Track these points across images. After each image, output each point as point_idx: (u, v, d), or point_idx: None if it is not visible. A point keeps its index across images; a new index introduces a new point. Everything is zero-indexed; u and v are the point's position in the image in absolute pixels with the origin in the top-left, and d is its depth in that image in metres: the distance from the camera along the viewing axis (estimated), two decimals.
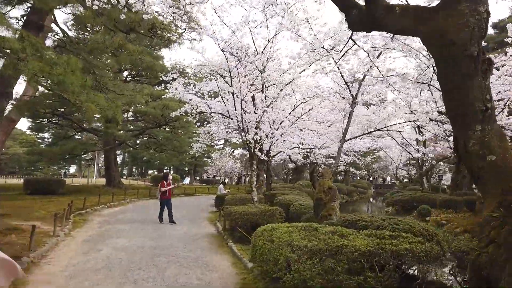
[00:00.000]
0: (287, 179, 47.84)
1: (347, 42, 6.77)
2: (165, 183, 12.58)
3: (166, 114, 23.77)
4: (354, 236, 4.92)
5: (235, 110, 12.79)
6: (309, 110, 16.45)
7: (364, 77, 9.69)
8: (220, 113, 16.78)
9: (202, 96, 17.30)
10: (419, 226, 6.09)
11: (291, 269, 4.71)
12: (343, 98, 11.10)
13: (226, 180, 47.59)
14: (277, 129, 13.65)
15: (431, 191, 25.57)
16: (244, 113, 13.07)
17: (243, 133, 18.08)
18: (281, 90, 13.32)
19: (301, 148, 23.39)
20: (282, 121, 13.53)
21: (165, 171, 56.89)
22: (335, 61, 8.43)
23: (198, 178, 54.63)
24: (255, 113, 13.41)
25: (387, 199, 27.00)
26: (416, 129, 22.67)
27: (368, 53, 6.85)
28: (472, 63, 3.05)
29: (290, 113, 14.06)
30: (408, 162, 35.55)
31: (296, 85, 14.68)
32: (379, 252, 4.19)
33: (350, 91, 9.75)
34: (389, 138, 33.34)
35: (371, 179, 67.43)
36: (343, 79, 9.61)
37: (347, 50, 7.14)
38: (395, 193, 23.76)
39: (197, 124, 34.18)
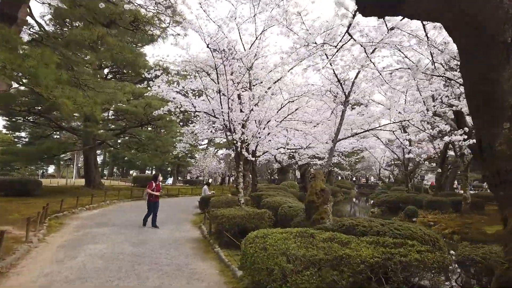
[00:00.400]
0: (271, 179, 47.61)
1: (343, 36, 6.39)
2: (153, 185, 11.83)
3: (149, 112, 23.08)
4: (356, 244, 4.51)
5: (222, 108, 12.27)
6: (295, 110, 16.09)
7: (357, 73, 9.33)
8: (205, 112, 16.25)
9: (186, 94, 16.78)
10: (421, 231, 5.74)
11: (287, 280, 4.26)
12: (335, 96, 10.74)
13: (210, 180, 46.97)
14: (263, 129, 13.21)
15: (414, 192, 25.62)
16: (231, 111, 12.57)
17: (229, 133, 17.63)
18: (268, 88, 12.86)
19: (287, 148, 23.04)
20: (269, 121, 13.09)
21: (146, 171, 55.80)
22: (327, 56, 8.04)
23: (181, 178, 53.74)
24: (242, 112, 12.93)
25: (372, 199, 27.01)
26: (402, 129, 22.60)
27: (364, 48, 6.48)
28: (504, 51, 2.69)
29: (277, 112, 13.64)
30: (392, 162, 35.62)
31: (283, 84, 14.27)
32: (388, 264, 3.79)
33: (343, 89, 9.38)
34: (374, 139, 33.36)
35: (354, 179, 67.80)
36: (336, 76, 9.24)
37: (343, 45, 6.75)
38: (380, 194, 23.66)
39: (181, 123, 33.50)
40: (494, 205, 22.33)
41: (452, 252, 6.16)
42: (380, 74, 7.54)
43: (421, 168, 40.45)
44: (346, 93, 9.33)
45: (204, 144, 52.07)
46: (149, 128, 36.93)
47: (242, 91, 12.77)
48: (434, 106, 11.67)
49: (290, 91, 14.45)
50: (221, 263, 7.57)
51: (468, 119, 13.50)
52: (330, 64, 8.34)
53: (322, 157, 30.65)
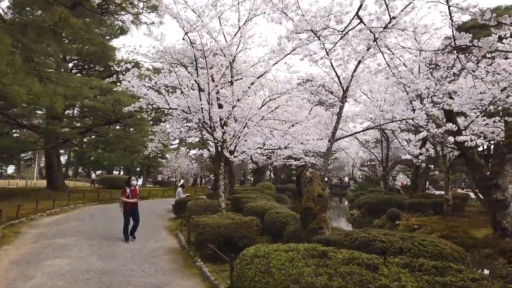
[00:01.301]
0: (241, 180, 46.66)
1: (352, 20, 5.58)
2: (128, 190, 9.92)
3: (118, 109, 21.57)
4: (386, 268, 3.64)
5: (201, 105, 11.20)
6: (275, 108, 15.27)
7: (358, 64, 8.53)
8: (182, 110, 15.15)
9: (159, 90, 15.69)
10: (446, 245, 4.98)
11: None
12: (330, 92, 9.93)
13: (182, 181, 45.40)
14: (244, 127, 12.25)
15: (390, 193, 25.40)
16: (211, 108, 11.54)
17: (205, 132, 16.57)
18: (252, 83, 11.94)
19: (265, 149, 22.21)
20: (250, 118, 12.15)
21: (113, 171, 53.38)
22: (325, 50, 7.22)
23: (151, 179, 51.78)
24: (220, 108, 11.95)
25: (350, 202, 26.59)
26: (380, 131, 22.26)
27: (374, 34, 5.69)
28: None
29: (259, 109, 12.73)
30: (369, 163, 35.52)
31: (268, 79, 13.36)
32: None
33: (340, 83, 8.60)
34: (348, 139, 33.15)
35: (325, 179, 67.89)
36: (333, 69, 8.43)
37: (349, 30, 5.91)
38: (360, 196, 23.22)
39: (151, 122, 31.94)
40: (470, 206, 22.36)
41: (486, 272, 5.43)
42: (388, 65, 6.77)
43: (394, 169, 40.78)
44: (344, 88, 8.56)
45: (175, 144, 50.48)
46: (118, 127, 35.16)
47: (224, 86, 11.77)
48: (423, 105, 11.09)
49: (272, 88, 13.54)
50: (206, 281, 6.56)
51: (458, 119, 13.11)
52: (327, 54, 7.50)
53: (299, 157, 30.13)
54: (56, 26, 8.16)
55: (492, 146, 18.80)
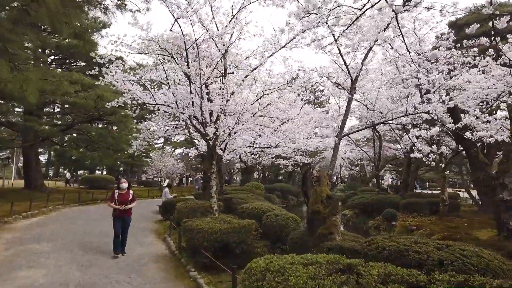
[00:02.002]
0: (225, 180, 45.73)
1: None
2: (116, 194, 8.46)
3: (100, 106, 20.52)
4: None
5: (192, 98, 10.37)
6: (267, 105, 14.58)
7: (368, 51, 7.83)
8: (168, 105, 14.32)
9: (145, 85, 14.87)
10: (490, 256, 4.31)
11: None
12: (336, 84, 9.22)
13: (167, 181, 44.32)
14: (239, 123, 11.48)
15: (382, 192, 25.00)
16: (203, 101, 10.74)
17: (193, 129, 15.76)
18: (246, 76, 11.18)
19: (255, 147, 21.49)
20: (243, 114, 11.38)
21: (96, 171, 51.76)
22: (333, 36, 6.54)
23: (135, 179, 50.36)
24: (211, 102, 11.15)
25: (342, 202, 26.05)
26: (373, 130, 21.78)
27: (396, 13, 5.00)
28: None
29: (251, 104, 11.97)
30: (359, 162, 35.15)
31: (262, 73, 12.61)
32: None
33: (349, 73, 7.91)
34: (334, 139, 32.62)
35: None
36: (342, 56, 7.74)
37: (369, 8, 5.22)
38: (352, 196, 22.69)
39: (134, 121, 30.84)
40: (462, 205, 22.04)
41: None
42: (408, 50, 6.08)
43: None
44: (353, 78, 7.86)
45: (160, 143, 49.29)
46: (99, 125, 33.83)
47: (215, 80, 10.98)
48: (427, 100, 10.51)
49: (266, 83, 12.80)
50: None
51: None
52: (335, 40, 6.80)
53: (289, 157, 29.50)
54: (29, 7, 7.22)
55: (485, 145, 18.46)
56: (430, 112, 8.13)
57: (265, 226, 8.48)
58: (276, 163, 33.54)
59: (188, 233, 7.54)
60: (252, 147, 21.85)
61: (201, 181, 35.68)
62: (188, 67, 9.98)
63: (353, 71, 7.94)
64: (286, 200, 31.23)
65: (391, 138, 27.53)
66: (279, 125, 19.45)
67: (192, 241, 7.20)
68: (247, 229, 7.10)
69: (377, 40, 7.19)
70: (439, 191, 17.82)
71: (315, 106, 36.67)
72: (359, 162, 34.90)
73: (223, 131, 10.77)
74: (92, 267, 7.12)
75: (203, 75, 10.28)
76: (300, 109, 20.89)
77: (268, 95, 13.39)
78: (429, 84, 10.70)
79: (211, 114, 11.53)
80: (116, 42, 11.27)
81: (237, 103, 10.85)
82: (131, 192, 8.68)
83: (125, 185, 8.63)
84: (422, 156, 11.04)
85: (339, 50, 7.68)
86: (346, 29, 6.59)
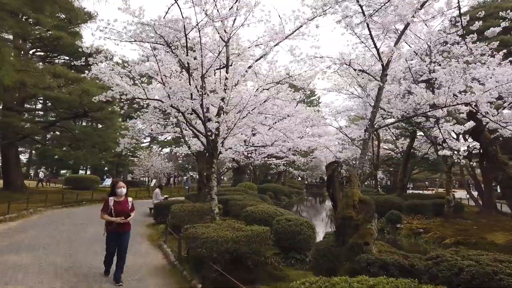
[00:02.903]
0: (220, 180, 44.79)
1: None
2: (111, 202, 6.35)
3: (86, 101, 19.29)
4: None
5: (191, 90, 9.37)
6: (264, 101, 13.70)
7: (406, 27, 6.90)
8: (160, 100, 13.34)
9: (134, 78, 13.86)
10: None
11: None
12: (361, 70, 8.26)
13: (154, 181, 43.15)
14: (238, 118, 10.53)
15: (379, 192, 24.38)
16: (203, 94, 9.75)
17: (184, 126, 14.81)
18: (249, 67, 10.26)
19: (252, 145, 20.63)
20: (248, 106, 10.44)
21: (80, 171, 49.96)
22: (362, 12, 5.66)
23: (120, 179, 48.77)
24: (214, 94, 10.18)
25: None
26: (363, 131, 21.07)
27: None
28: None
29: (255, 95, 11.04)
30: (354, 162, 34.46)
31: (265, 64, 11.67)
32: None
33: (380, 58, 7.02)
34: (328, 137, 32.04)
35: (299, 178, 66.86)
36: (372, 38, 6.84)
37: None
38: None
39: (119, 119, 29.58)
40: None
41: None
42: (461, 20, 5.18)
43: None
44: (384, 63, 6.98)
45: (147, 142, 47.85)
46: (83, 124, 32.36)
47: (217, 70, 10.02)
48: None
49: (268, 74, 11.87)
50: None
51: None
52: (366, 19, 5.91)
53: (282, 156, 28.65)
54: None
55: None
56: (471, 103, 7.30)
57: (276, 232, 7.53)
58: (268, 163, 32.73)
59: (192, 242, 6.55)
60: (247, 145, 20.97)
61: (192, 181, 34.58)
62: (187, 55, 8.97)
63: (383, 56, 7.09)
64: (279, 201, 30.43)
65: (384, 138, 27.02)
66: (275, 122, 18.64)
67: (197, 251, 6.22)
68: (262, 237, 6.15)
69: (411, 22, 6.33)
70: (430, 191, 17.24)
71: (307, 105, 35.99)
72: (354, 162, 34.18)
73: (227, 126, 9.81)
74: (80, 282, 6.08)
75: (204, 66, 9.32)
76: (295, 107, 20.10)
77: (268, 89, 12.53)
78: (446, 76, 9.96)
79: (208, 109, 10.59)
80: (106, 28, 10.22)
81: (241, 95, 9.87)
82: (129, 199, 6.55)
83: (124, 190, 6.38)
84: (451, 154, 10.26)
85: (370, 31, 6.81)
86: (381, 7, 5.73)
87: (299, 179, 66.83)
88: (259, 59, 10.34)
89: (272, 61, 11.44)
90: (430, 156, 25.78)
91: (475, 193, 22.33)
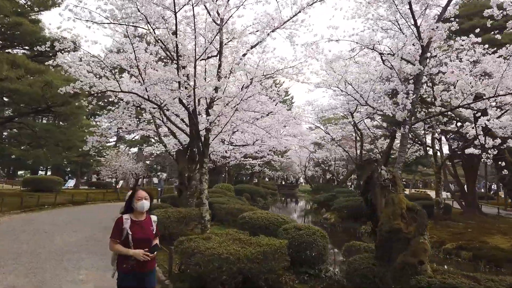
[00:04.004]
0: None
1: None
2: (126, 225, 3.68)
3: (49, 95, 17.43)
4: None
5: (180, 78, 8.14)
6: (248, 97, 12.67)
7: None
8: (135, 93, 12.11)
9: (105, 69, 12.59)
10: None
11: None
12: (391, 54, 7.28)
13: (121, 182, 40.99)
14: (233, 110, 9.43)
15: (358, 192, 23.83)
16: (186, 87, 8.55)
17: (168, 120, 13.75)
18: (244, 55, 9.15)
19: (234, 145, 19.51)
20: (242, 99, 9.36)
21: (39, 171, 46.69)
22: None
23: (83, 180, 46.02)
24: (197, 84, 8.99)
25: (317, 203, 24.61)
26: (355, 127, 20.51)
27: None
28: None
29: (247, 87, 9.95)
30: (332, 162, 34.05)
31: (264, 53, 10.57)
32: None
33: (419, 37, 6.05)
34: (302, 137, 31.49)
35: (266, 179, 65.99)
36: (412, 13, 5.83)
37: None
38: (332, 198, 21.26)
39: (85, 117, 27.55)
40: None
41: None
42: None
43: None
44: (424, 43, 6.03)
45: (113, 141, 45.46)
46: (44, 121, 29.93)
47: (209, 57, 8.84)
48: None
49: (260, 66, 10.79)
50: None
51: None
52: None
53: (260, 156, 27.67)
54: None
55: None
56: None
57: (290, 246, 6.44)
58: (243, 164, 31.70)
59: (189, 258, 5.37)
60: (228, 144, 19.88)
61: (165, 183, 32.81)
62: (176, 37, 7.74)
63: (423, 35, 6.15)
64: (255, 202, 29.54)
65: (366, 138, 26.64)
66: (257, 119, 17.62)
67: (197, 270, 5.05)
68: (280, 253, 5.08)
69: None
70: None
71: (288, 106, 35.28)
72: (332, 163, 33.76)
73: (218, 120, 8.66)
74: None
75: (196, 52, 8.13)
76: (275, 105, 19.16)
77: (256, 82, 11.48)
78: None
79: (199, 101, 9.40)
80: (77, 6, 8.86)
81: (237, 86, 8.77)
82: (153, 218, 3.92)
83: (146, 203, 3.72)
84: (480, 153, 9.58)
85: (411, 6, 5.86)
86: None
87: (266, 179, 66.00)
88: (254, 46, 9.25)
89: (266, 51, 10.36)
90: (410, 157, 25.66)
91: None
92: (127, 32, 10.69)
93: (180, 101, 8.56)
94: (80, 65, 12.35)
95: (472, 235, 12.23)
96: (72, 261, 7.56)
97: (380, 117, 22.99)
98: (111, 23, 9.49)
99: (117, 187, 35.75)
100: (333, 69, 15.03)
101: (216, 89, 8.19)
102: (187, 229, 9.33)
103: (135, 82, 13.04)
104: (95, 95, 13.23)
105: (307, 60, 10.48)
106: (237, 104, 8.92)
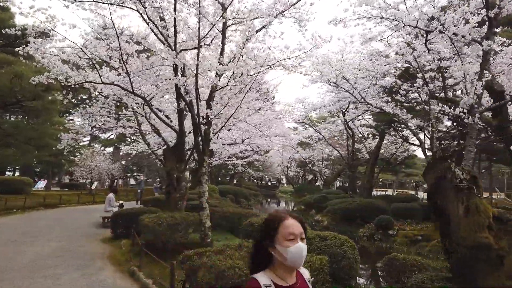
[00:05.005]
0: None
1: None
2: None
3: (19, 88, 15.92)
4: None
5: (178, 63, 7.03)
6: (238, 92, 11.71)
7: None
8: (118, 85, 11.01)
9: (90, 59, 11.37)
10: None
11: None
12: (441, 32, 6.25)
13: (96, 183, 39.04)
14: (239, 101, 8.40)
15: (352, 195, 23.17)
16: (182, 76, 7.46)
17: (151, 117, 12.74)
18: (246, 39, 8.13)
19: (222, 143, 18.44)
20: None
21: (6, 172, 43.88)
22: None
23: (54, 181, 43.54)
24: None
25: (303, 203, 23.80)
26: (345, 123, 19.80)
27: None
28: None
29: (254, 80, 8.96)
30: (317, 162, 33.30)
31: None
32: None
33: (487, 7, 5.16)
34: (280, 138, 30.67)
35: (246, 179, 64.84)
36: None
37: None
38: (323, 200, 20.46)
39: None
40: None
41: None
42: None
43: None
44: (492, 15, 5.09)
45: (86, 140, 43.28)
46: (12, 119, 27.83)
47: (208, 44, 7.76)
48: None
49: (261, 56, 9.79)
50: None
51: None
52: None
53: (246, 155, 26.66)
54: None
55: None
56: None
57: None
58: (226, 164, 30.62)
59: (201, 278, 4.30)
60: (215, 143, 18.79)
61: (156, 184, 31.03)
62: (175, 13, 6.64)
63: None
64: (239, 203, 28.62)
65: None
66: (249, 115, 16.65)
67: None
68: (322, 273, 4.07)
69: None
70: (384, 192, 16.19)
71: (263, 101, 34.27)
72: (316, 163, 32.96)
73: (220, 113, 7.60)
74: None
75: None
76: (264, 103, 18.24)
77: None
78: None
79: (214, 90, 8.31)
80: None
81: (247, 69, 7.74)
82: (305, 276, 1.80)
83: (305, 248, 1.65)
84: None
85: None
86: None
87: (246, 180, 64.85)
88: (259, 30, 8.23)
89: (273, 36, 9.35)
90: (399, 157, 25.25)
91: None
92: (110, 16, 9.47)
93: (177, 91, 7.43)
94: (55, 55, 10.95)
95: None
96: (48, 279, 6.32)
97: (370, 116, 22.49)
98: (93, 1, 8.31)
99: (92, 188, 33.87)
100: (330, 63, 14.28)
101: (217, 75, 7.16)
102: (186, 239, 8.24)
103: (118, 74, 11.80)
104: (72, 86, 11.87)
105: (312, 50, 9.56)
106: (246, 93, 7.88)
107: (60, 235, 10.65)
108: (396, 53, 10.64)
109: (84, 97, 14.29)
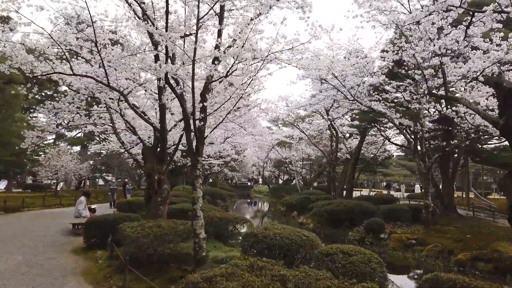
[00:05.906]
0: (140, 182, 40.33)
1: None
2: None
3: None
4: None
5: (170, 42, 6.05)
6: (225, 88, 10.84)
7: None
8: (92, 77, 10.00)
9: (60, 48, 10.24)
10: None
11: None
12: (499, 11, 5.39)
13: (62, 184, 36.80)
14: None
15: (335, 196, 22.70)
16: (170, 63, 6.50)
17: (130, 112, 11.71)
18: (248, 23, 7.26)
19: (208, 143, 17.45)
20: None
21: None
22: None
23: (15, 182, 40.82)
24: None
25: (285, 204, 23.15)
26: (330, 121, 19.25)
27: None
28: None
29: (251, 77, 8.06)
30: (295, 162, 32.70)
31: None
32: None
33: None
34: (257, 137, 30.06)
35: (221, 179, 63.85)
36: None
37: None
38: (305, 201, 19.84)
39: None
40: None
41: None
42: None
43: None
44: None
45: (51, 139, 40.87)
46: None
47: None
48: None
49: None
50: None
51: None
52: None
53: (225, 155, 25.73)
54: None
55: None
56: None
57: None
58: (202, 164, 29.62)
59: None
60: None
61: (129, 187, 29.21)
62: None
63: None
64: (216, 205, 27.70)
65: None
66: (235, 110, 15.78)
67: None
68: None
69: None
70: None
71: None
72: (295, 163, 32.36)
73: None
74: None
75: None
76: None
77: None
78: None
79: (182, 83, 7.36)
80: None
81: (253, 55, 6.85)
82: None
83: None
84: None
85: None
86: None
87: (220, 180, 63.79)
88: (258, 16, 7.38)
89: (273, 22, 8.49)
90: (379, 157, 25.09)
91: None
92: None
93: (167, 81, 6.45)
94: (21, 43, 9.65)
95: (477, 242, 11.21)
96: None
97: (349, 116, 22.08)
98: None
99: (58, 189, 31.80)
100: (319, 58, 13.65)
101: (215, 60, 6.25)
102: (176, 250, 7.27)
103: (92, 65, 10.64)
104: (39, 77, 10.60)
105: (311, 41, 8.81)
106: (248, 85, 7.00)
107: (24, 245, 9.36)
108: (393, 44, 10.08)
109: (49, 93, 12.91)
